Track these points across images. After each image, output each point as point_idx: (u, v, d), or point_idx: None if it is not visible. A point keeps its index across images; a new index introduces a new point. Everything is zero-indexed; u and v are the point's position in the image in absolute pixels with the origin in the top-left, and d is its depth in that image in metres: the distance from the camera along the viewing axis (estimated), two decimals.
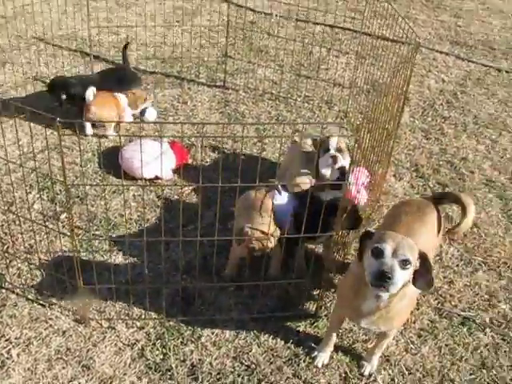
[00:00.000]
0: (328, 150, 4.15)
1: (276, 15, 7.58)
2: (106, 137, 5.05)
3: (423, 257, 2.60)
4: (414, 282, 2.62)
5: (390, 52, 4.52)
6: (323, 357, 3.25)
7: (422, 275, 2.61)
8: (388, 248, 2.53)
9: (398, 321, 2.94)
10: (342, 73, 6.36)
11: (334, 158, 4.10)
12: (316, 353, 3.27)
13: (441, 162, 5.11)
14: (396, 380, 3.20)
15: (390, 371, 3.25)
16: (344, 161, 4.12)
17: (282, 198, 3.83)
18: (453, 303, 3.70)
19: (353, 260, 3.62)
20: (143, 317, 3.42)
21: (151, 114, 5.30)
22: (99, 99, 4.95)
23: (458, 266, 4.00)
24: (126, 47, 5.52)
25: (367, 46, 5.22)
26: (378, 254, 2.54)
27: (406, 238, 2.62)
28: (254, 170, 3.08)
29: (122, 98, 5.12)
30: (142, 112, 5.26)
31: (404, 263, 2.52)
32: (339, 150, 4.13)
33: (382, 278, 2.49)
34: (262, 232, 3.37)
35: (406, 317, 3.06)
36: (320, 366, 3.23)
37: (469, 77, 6.80)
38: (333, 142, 4.14)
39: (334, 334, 3.25)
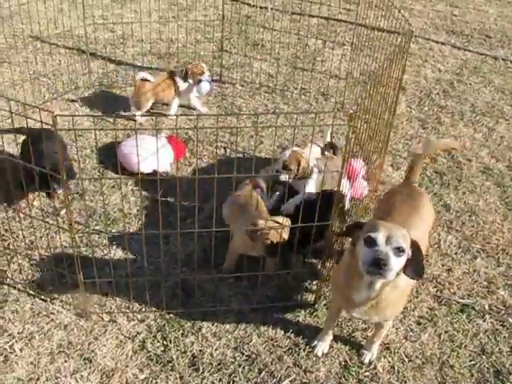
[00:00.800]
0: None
1: (271, 8, 7.58)
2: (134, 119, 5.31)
3: (415, 245, 2.61)
4: (404, 269, 2.62)
5: (385, 43, 4.52)
6: (323, 346, 3.28)
7: (413, 263, 2.61)
8: (381, 236, 2.53)
9: (391, 312, 2.94)
10: (338, 64, 6.36)
11: (278, 175, 4.03)
12: (316, 342, 3.30)
13: (438, 151, 5.12)
14: (396, 367, 3.23)
15: (390, 359, 3.27)
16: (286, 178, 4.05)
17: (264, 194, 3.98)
18: (452, 290, 3.72)
19: (347, 249, 3.64)
20: (144, 310, 3.45)
21: (205, 87, 5.36)
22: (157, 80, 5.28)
23: (456, 253, 4.02)
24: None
25: (363, 37, 5.23)
26: (372, 242, 2.55)
27: (398, 227, 2.63)
28: (251, 162, 3.10)
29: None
30: (198, 83, 5.32)
31: (398, 250, 2.53)
32: (285, 167, 4.01)
33: (378, 266, 2.50)
34: (277, 223, 3.38)
35: (399, 308, 3.07)
36: (320, 354, 3.26)
37: (465, 65, 6.80)
38: (280, 159, 4.07)
39: (333, 324, 3.27)
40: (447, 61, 6.90)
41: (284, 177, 4.00)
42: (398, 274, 2.61)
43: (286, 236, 3.38)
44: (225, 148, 4.97)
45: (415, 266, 2.62)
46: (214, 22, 6.75)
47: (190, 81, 5.28)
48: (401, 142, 5.20)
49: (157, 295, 3.50)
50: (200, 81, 5.29)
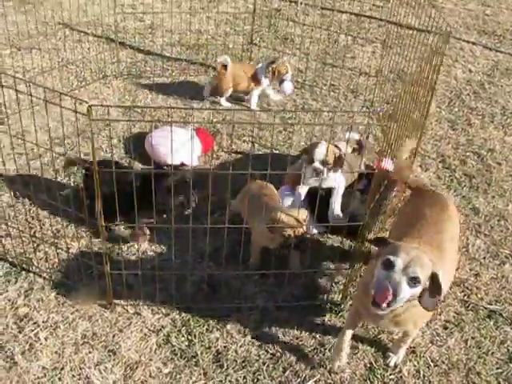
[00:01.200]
0: (312, 161, 3.87)
1: (301, 3, 7.52)
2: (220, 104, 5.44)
3: (434, 277, 2.53)
4: (419, 298, 2.55)
5: (416, 41, 4.46)
6: (338, 361, 3.14)
7: (430, 294, 2.54)
8: (399, 262, 2.48)
9: (413, 324, 2.88)
10: (368, 61, 6.30)
11: (317, 171, 3.84)
12: (331, 362, 3.16)
13: (467, 153, 5.05)
14: (421, 372, 3.19)
15: (416, 363, 3.23)
16: (332, 173, 3.91)
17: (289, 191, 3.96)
18: (479, 296, 3.67)
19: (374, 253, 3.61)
20: (169, 303, 3.44)
21: (288, 87, 5.37)
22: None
23: (484, 258, 3.96)
24: None
25: (393, 34, 5.16)
26: (389, 265, 2.50)
27: (421, 255, 2.55)
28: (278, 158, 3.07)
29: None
30: (280, 83, 5.34)
31: (413, 281, 2.47)
32: (325, 162, 3.80)
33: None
34: (295, 219, 3.35)
35: (422, 320, 3.00)
36: (335, 369, 3.13)
37: (496, 67, 6.69)
38: (318, 154, 3.82)
39: (349, 334, 3.11)
40: (478, 61, 6.80)
41: (325, 171, 3.79)
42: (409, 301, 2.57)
43: (303, 231, 3.38)
44: (252, 142, 4.94)
45: (429, 299, 2.54)
46: (243, 14, 6.71)
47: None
48: (430, 143, 5.13)
49: (182, 289, 3.49)
50: (283, 80, 5.29)
